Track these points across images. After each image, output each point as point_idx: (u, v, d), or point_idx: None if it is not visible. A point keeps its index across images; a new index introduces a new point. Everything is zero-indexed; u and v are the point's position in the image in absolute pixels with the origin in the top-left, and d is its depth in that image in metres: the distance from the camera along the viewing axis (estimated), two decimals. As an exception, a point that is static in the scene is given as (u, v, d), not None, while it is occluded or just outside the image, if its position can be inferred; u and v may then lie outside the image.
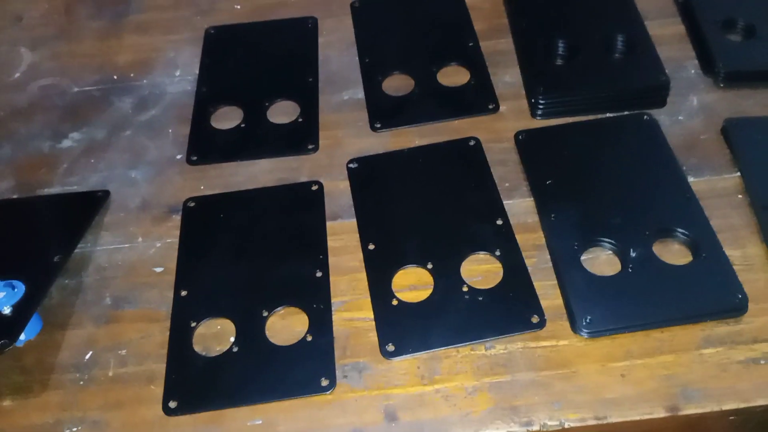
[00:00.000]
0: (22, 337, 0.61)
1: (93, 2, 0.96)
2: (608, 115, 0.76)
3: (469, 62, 0.82)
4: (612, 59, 0.80)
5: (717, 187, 0.69)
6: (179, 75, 0.86)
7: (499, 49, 0.84)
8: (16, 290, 0.62)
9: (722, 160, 0.71)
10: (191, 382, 0.60)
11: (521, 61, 0.82)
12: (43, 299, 0.64)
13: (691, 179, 0.69)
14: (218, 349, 0.62)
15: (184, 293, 0.65)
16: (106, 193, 0.73)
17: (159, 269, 0.68)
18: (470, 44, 0.84)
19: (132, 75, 0.86)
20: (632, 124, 0.74)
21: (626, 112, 0.76)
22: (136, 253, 0.69)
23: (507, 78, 0.81)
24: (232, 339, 0.62)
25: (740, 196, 0.68)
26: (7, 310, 0.61)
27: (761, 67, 0.77)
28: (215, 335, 0.63)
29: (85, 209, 0.71)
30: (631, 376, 0.58)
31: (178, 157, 0.77)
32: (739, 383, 0.57)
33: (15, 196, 0.75)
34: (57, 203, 0.73)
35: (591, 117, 0.76)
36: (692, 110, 0.76)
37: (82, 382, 0.61)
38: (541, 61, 0.80)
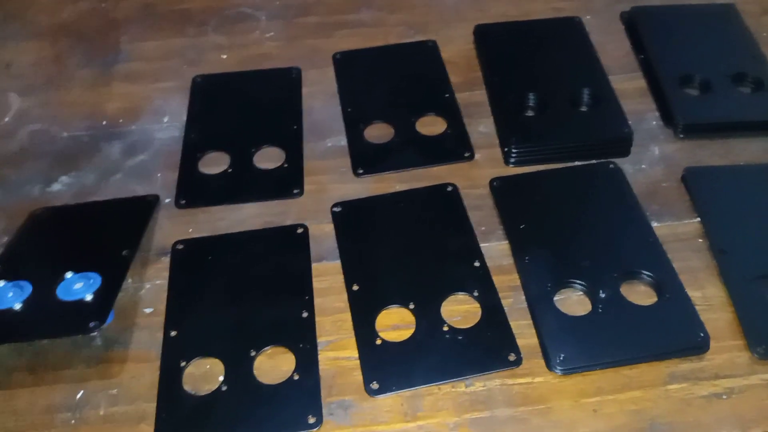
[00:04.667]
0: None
1: (82, 51, 0.99)
2: (576, 163, 0.81)
3: (446, 112, 0.87)
4: (579, 112, 0.85)
5: (678, 232, 0.74)
6: (167, 121, 0.89)
7: (473, 100, 0.89)
8: (92, 281, 0.67)
9: (682, 207, 0.76)
10: (181, 422, 0.61)
11: (494, 112, 0.87)
12: (120, 286, 0.69)
13: (654, 224, 0.74)
14: (207, 388, 0.64)
15: (173, 333, 0.67)
16: (156, 198, 0.78)
17: (149, 310, 0.70)
18: (446, 96, 0.89)
19: (121, 121, 0.89)
20: (599, 172, 0.79)
21: (593, 161, 0.80)
22: (126, 294, 0.71)
23: (481, 128, 0.86)
24: (221, 378, 0.64)
25: (700, 240, 0.73)
26: (89, 297, 0.66)
27: (717, 120, 0.83)
28: (204, 375, 0.65)
29: (139, 211, 0.77)
30: (602, 411, 0.61)
31: (167, 200, 0.80)
32: (703, 417, 0.60)
33: (5, 241, 0.76)
34: (112, 207, 0.78)
35: (560, 165, 0.80)
36: (654, 159, 0.81)
37: (73, 422, 0.62)
38: (513, 113, 0.85)
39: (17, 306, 0.66)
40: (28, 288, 0.67)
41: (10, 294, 0.66)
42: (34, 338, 0.66)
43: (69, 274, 0.68)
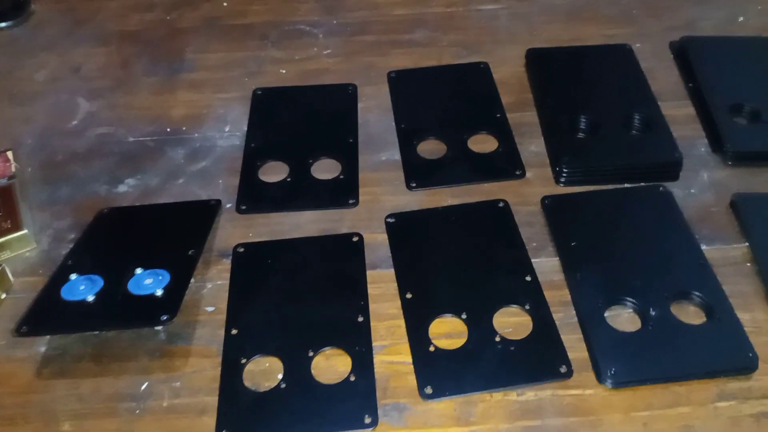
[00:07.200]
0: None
1: (148, 59, 1.04)
2: (626, 185, 0.82)
3: (498, 132, 0.90)
4: (629, 135, 0.87)
5: (727, 256, 0.75)
6: (229, 130, 0.92)
7: (524, 121, 0.91)
8: (161, 277, 0.71)
9: (732, 232, 0.77)
10: (242, 415, 0.64)
11: (546, 132, 0.89)
12: (188, 283, 0.72)
13: (704, 247, 0.75)
14: (267, 385, 0.66)
15: (234, 332, 0.70)
16: (218, 202, 0.82)
17: (210, 309, 0.73)
18: (498, 115, 0.92)
19: (184, 128, 0.93)
20: (649, 194, 0.81)
21: (643, 184, 0.82)
22: (189, 293, 0.73)
23: (532, 147, 0.88)
24: (280, 376, 0.66)
25: (749, 264, 0.74)
26: (159, 293, 0.69)
27: (766, 149, 0.84)
28: (264, 372, 0.67)
29: (202, 214, 0.80)
30: (652, 426, 0.62)
31: (228, 205, 0.83)
32: (751, 436, 0.62)
33: (72, 236, 0.80)
34: (177, 210, 0.82)
35: (610, 187, 0.82)
36: (703, 185, 0.83)
37: (138, 411, 0.65)
38: (565, 134, 0.87)
39: (90, 298, 0.69)
40: (99, 282, 0.71)
41: (82, 287, 0.70)
42: (110, 328, 0.69)
43: (138, 270, 0.71)
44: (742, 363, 0.65)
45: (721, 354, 0.66)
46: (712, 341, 0.67)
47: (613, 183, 0.83)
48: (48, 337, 0.70)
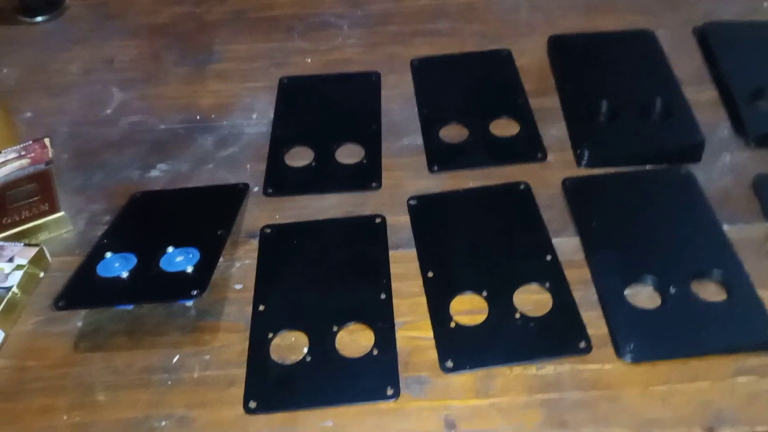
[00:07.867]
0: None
1: (178, 51, 1.07)
2: (648, 167, 0.83)
3: (519, 116, 0.91)
4: (652, 118, 0.87)
5: (749, 235, 0.75)
6: (256, 118, 0.95)
7: (546, 106, 0.92)
8: (191, 255, 0.73)
9: (753, 212, 0.78)
10: (269, 386, 0.66)
11: (567, 116, 0.90)
12: (217, 261, 0.75)
13: (725, 227, 0.75)
14: (293, 358, 0.68)
15: (261, 308, 0.72)
16: (246, 186, 0.85)
17: (239, 286, 0.75)
18: (520, 101, 0.93)
19: (213, 116, 0.96)
20: (671, 176, 0.81)
21: (664, 165, 0.83)
22: (218, 272, 0.75)
23: (554, 131, 0.89)
24: (306, 350, 0.68)
25: (770, 244, 0.75)
26: (190, 269, 0.72)
27: (788, 132, 0.84)
28: (290, 346, 0.69)
29: (231, 197, 0.83)
30: (670, 400, 0.63)
31: (256, 189, 0.85)
32: (770, 410, 0.62)
33: (107, 219, 0.83)
34: (207, 193, 0.85)
35: (632, 168, 0.83)
36: (725, 166, 0.83)
37: (169, 382, 0.67)
38: (587, 118, 0.88)
39: (124, 274, 0.72)
40: (133, 259, 0.73)
41: (117, 264, 0.73)
42: (143, 302, 0.72)
43: (170, 249, 0.74)
44: (761, 339, 0.66)
45: (740, 330, 0.67)
46: (732, 318, 0.67)
47: (634, 165, 0.83)
48: (84, 313, 0.73)
